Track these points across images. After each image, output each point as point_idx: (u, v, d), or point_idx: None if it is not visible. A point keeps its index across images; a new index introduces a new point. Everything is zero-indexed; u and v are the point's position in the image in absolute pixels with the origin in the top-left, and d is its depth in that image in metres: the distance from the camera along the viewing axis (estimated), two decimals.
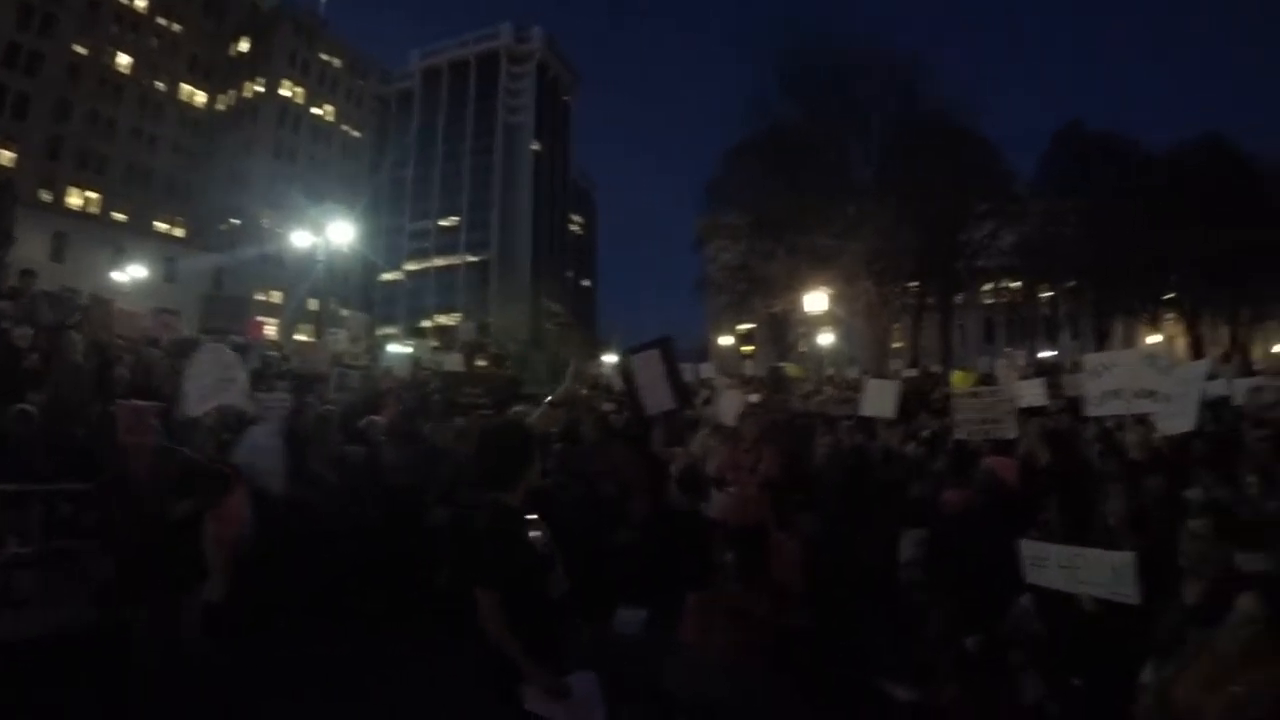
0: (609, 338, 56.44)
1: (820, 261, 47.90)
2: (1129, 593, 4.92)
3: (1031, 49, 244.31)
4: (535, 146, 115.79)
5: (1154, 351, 11.61)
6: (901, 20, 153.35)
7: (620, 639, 6.16)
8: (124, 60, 74.22)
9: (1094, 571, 5.14)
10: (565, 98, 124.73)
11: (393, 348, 27.43)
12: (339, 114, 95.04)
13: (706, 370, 26.50)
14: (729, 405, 11.63)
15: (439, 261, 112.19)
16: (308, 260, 36.07)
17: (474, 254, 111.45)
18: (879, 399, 12.60)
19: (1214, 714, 3.88)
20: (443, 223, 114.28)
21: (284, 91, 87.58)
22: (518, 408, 11.98)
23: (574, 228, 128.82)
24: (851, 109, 52.97)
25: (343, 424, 10.61)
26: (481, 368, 19.27)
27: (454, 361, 19.46)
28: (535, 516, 4.29)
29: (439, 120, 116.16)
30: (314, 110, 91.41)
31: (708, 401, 14.65)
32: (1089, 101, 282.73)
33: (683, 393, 9.93)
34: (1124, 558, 5.02)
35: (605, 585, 6.49)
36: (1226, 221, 49.32)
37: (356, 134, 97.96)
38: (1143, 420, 9.56)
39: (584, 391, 20.22)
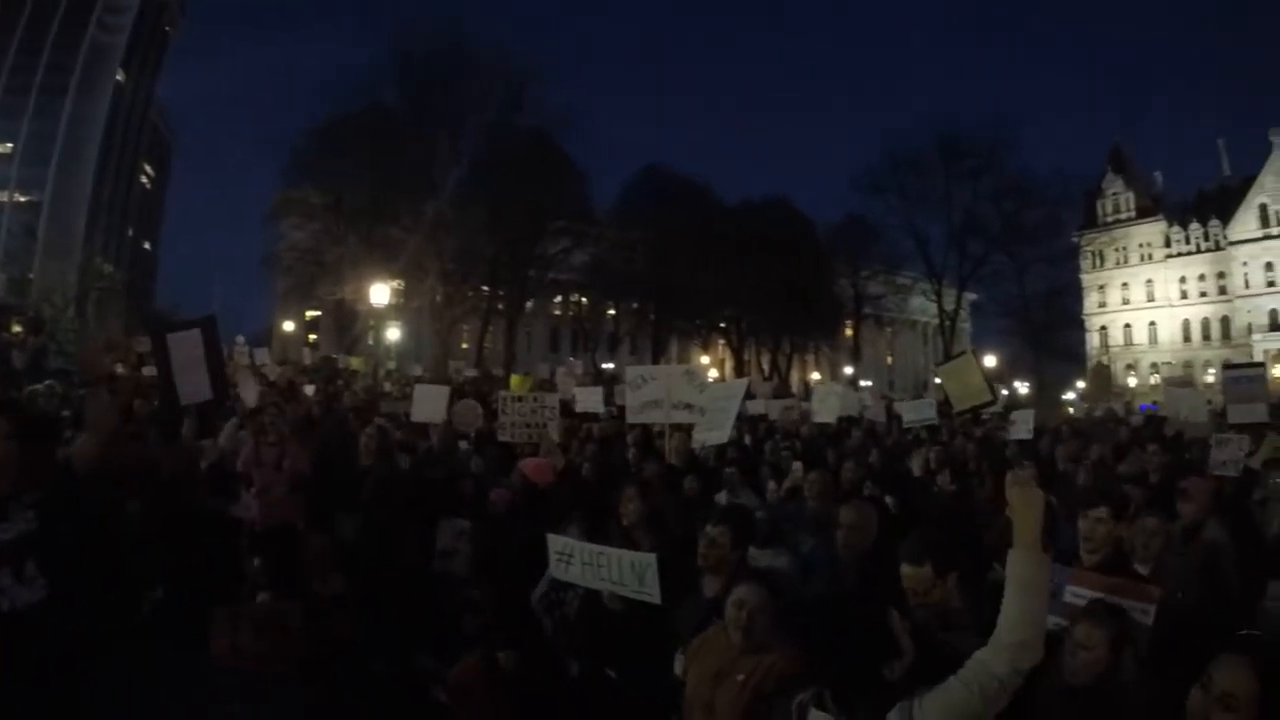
0: (168, 311, 52.25)
1: (390, 254, 47.26)
2: (651, 593, 4.97)
3: (634, 87, 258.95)
4: (120, 77, 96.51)
5: (690, 368, 12.52)
6: (525, 34, 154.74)
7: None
8: None
9: (617, 571, 5.15)
10: (167, 28, 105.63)
11: None
12: None
13: (263, 356, 25.38)
14: (249, 392, 11.01)
15: None
16: None
17: (25, 192, 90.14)
18: (429, 405, 12.59)
19: (722, 705, 4.02)
20: None
21: None
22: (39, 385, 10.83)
23: (144, 180, 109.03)
24: (453, 106, 52.73)
25: None
26: (13, 335, 17.14)
27: None
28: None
29: (20, 21, 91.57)
30: None
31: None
32: (677, 146, 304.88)
33: (222, 381, 9.17)
34: (645, 559, 5.07)
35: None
36: (779, 267, 56.69)
37: None
38: (682, 428, 10.06)
39: (119, 369, 18.37)
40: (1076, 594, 4.30)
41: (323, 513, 7.34)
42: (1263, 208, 77.74)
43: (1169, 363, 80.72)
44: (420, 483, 8.65)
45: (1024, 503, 3.10)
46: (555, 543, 5.59)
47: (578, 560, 5.40)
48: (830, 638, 3.26)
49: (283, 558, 5.51)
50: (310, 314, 61.15)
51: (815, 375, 68.71)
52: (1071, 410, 36.61)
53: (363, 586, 6.38)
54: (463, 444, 11.47)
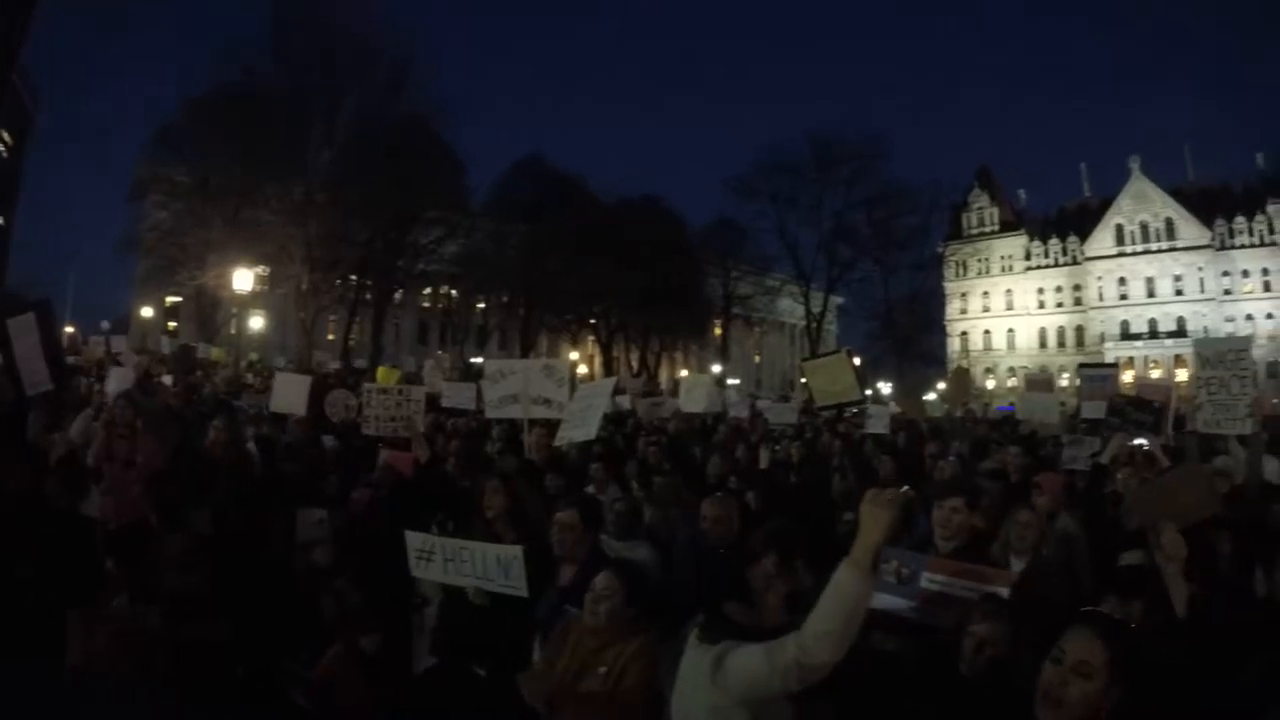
0: (21, 291, 49.35)
1: (256, 238, 45.57)
2: (518, 585, 4.99)
3: (514, 84, 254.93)
4: None
5: (550, 363, 12.56)
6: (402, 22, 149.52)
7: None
8: None
9: (482, 565, 5.13)
10: None
11: None
12: None
13: (120, 344, 24.56)
14: (119, 385, 10.64)
15: None
16: None
17: None
18: (289, 395, 12.36)
19: (586, 689, 4.10)
20: None
21: None
22: None
23: (0, 149, 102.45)
24: (329, 84, 50.52)
25: None
26: None
27: None
28: None
29: None
30: None
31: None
32: (557, 143, 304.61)
33: (61, 369, 8.74)
34: (511, 551, 5.07)
35: None
36: (649, 266, 57.16)
37: None
38: (548, 424, 10.06)
39: None
40: (932, 579, 4.48)
41: (175, 509, 7.09)
42: (1119, 227, 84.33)
43: (1026, 367, 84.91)
44: (277, 478, 8.46)
45: (872, 520, 3.17)
46: (414, 540, 5.51)
47: (439, 556, 5.34)
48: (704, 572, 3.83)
49: (138, 558, 5.32)
50: (171, 300, 58.04)
51: (684, 373, 69.59)
52: (927, 408, 38.04)
53: (222, 585, 6.22)
54: (328, 439, 11.24)
